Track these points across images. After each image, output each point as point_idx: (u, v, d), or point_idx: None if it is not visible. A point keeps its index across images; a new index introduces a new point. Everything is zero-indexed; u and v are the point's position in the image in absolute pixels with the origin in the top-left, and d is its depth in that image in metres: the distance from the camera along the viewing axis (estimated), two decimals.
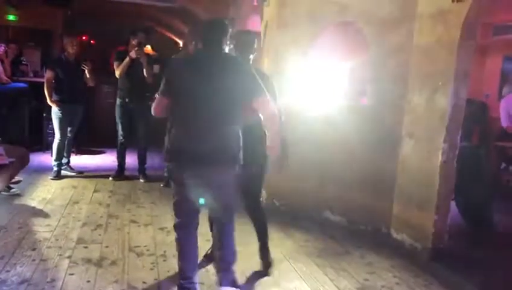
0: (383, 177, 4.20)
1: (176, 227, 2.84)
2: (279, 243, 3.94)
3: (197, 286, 2.79)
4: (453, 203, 4.16)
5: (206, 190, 2.67)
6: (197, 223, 2.84)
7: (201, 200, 2.72)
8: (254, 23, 6.58)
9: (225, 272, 2.79)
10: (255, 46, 3.07)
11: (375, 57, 4.23)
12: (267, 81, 2.93)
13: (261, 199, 3.27)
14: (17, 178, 4.64)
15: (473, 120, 5.82)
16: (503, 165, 6.62)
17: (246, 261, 3.34)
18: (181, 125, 2.64)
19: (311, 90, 4.64)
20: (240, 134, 2.67)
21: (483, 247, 4.09)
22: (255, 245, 3.38)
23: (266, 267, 3.32)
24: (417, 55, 3.94)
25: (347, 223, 4.46)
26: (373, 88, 4.29)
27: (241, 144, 2.67)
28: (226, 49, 2.74)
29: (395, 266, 3.65)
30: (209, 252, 3.41)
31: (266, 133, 2.71)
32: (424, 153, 3.80)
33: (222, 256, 2.80)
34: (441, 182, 3.67)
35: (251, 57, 3.08)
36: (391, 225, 4.16)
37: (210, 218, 3.22)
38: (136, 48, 5.41)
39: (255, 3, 5.96)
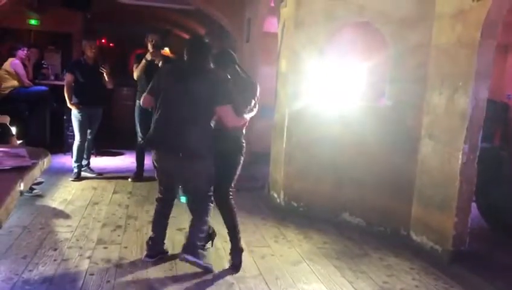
0: (402, 179, 4.16)
1: (157, 200, 3.54)
2: (297, 245, 3.93)
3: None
4: (474, 206, 4.09)
5: (179, 175, 3.30)
6: (173, 197, 3.56)
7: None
8: (271, 24, 6.59)
9: (188, 245, 3.24)
10: (230, 62, 3.43)
11: (394, 57, 4.19)
12: (246, 84, 3.39)
13: (230, 192, 3.39)
14: (39, 179, 4.72)
15: (495, 121, 5.72)
16: None
17: (270, 262, 3.34)
18: (160, 120, 3.21)
19: (328, 90, 4.62)
20: (210, 132, 3.19)
21: (506, 250, 4.01)
22: (271, 248, 3.38)
23: (234, 266, 3.37)
24: (436, 55, 3.89)
25: (365, 225, 4.42)
26: (392, 88, 4.25)
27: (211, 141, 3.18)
28: (209, 63, 3.28)
29: (414, 269, 3.61)
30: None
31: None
32: (444, 154, 3.75)
33: (189, 233, 3.31)
34: (462, 184, 3.61)
35: (228, 70, 3.39)
36: (410, 227, 4.11)
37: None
38: (152, 50, 5.46)
39: (272, 4, 5.96)
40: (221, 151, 3.25)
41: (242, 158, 3.38)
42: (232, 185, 3.41)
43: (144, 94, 3.38)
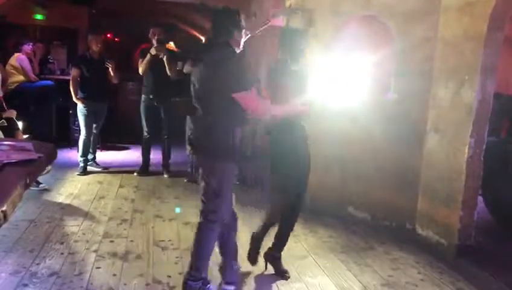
0: (408, 173, 4.15)
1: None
2: (303, 239, 3.94)
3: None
4: (480, 199, 4.07)
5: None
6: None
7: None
8: (276, 19, 6.56)
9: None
10: (301, 44, 3.11)
11: (400, 50, 4.16)
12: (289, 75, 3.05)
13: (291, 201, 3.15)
14: (47, 168, 4.74)
15: (502, 114, 5.66)
16: None
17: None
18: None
19: (334, 85, 4.60)
20: (233, 127, 2.67)
21: None
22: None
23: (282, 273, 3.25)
24: (443, 48, 3.86)
25: (371, 219, 4.42)
26: (398, 82, 4.23)
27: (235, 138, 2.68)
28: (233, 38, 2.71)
29: (420, 263, 3.61)
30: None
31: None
32: (450, 148, 3.73)
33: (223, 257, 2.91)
34: (468, 178, 3.60)
35: (301, 56, 3.11)
36: (416, 221, 4.10)
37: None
38: (156, 45, 5.47)
39: None
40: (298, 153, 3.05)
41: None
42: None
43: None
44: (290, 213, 3.19)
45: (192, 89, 2.73)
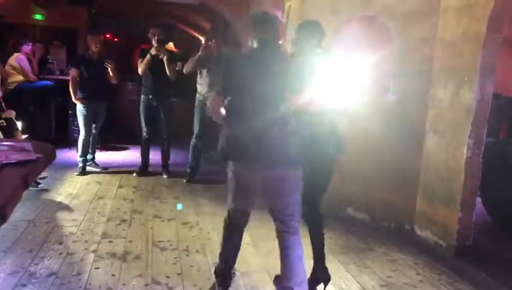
0: (407, 174, 4.15)
1: None
2: (302, 240, 3.92)
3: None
4: (479, 200, 4.08)
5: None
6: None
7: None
8: None
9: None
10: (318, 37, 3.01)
11: (399, 51, 4.17)
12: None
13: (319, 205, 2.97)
14: (43, 174, 4.75)
15: (500, 115, 5.67)
16: None
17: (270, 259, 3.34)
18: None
19: (333, 85, 4.59)
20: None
21: (511, 245, 4.00)
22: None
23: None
24: (442, 49, 3.87)
25: (370, 220, 4.42)
26: (397, 83, 4.23)
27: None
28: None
29: (419, 264, 3.61)
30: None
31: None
32: (449, 148, 3.74)
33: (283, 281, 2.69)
34: (466, 179, 3.60)
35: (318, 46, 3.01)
36: (415, 221, 4.11)
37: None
38: (156, 45, 5.47)
39: None
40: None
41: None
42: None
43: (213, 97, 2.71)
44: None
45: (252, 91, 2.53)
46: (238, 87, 2.56)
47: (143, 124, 5.78)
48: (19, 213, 4.01)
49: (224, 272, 2.81)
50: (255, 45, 2.62)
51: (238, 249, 2.85)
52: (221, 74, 2.65)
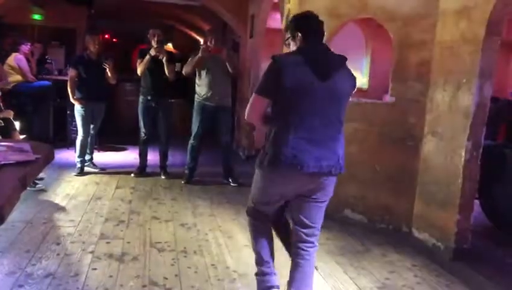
0: (405, 176, 4.15)
1: None
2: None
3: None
4: (477, 203, 4.08)
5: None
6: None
7: None
8: (274, 20, 6.58)
9: None
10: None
11: (397, 54, 4.17)
12: None
13: None
14: (41, 174, 4.74)
15: (499, 118, 5.69)
16: None
17: None
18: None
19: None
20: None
21: (508, 248, 4.01)
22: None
23: None
24: (440, 52, 3.88)
25: (367, 221, 4.42)
26: (395, 86, 4.24)
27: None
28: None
29: (416, 266, 3.61)
30: None
31: None
32: (447, 151, 3.74)
33: None
34: (464, 181, 3.60)
35: None
36: (413, 224, 4.11)
37: None
38: (156, 46, 5.46)
39: (275, 0, 5.95)
40: None
41: None
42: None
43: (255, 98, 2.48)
44: None
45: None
46: (298, 94, 2.41)
47: (141, 125, 5.77)
48: (17, 213, 3.99)
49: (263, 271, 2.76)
50: (305, 46, 2.56)
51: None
52: (270, 78, 2.45)
